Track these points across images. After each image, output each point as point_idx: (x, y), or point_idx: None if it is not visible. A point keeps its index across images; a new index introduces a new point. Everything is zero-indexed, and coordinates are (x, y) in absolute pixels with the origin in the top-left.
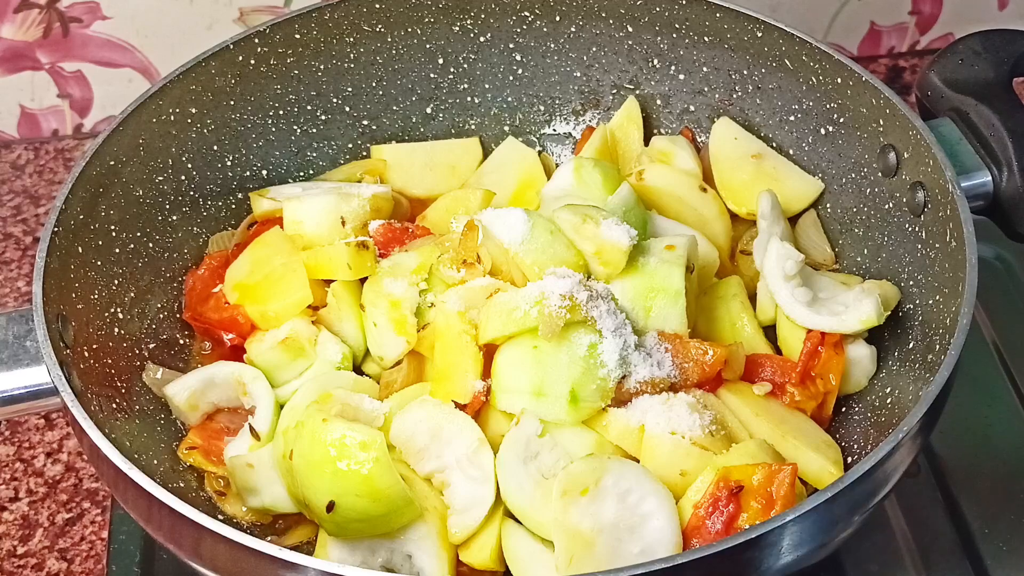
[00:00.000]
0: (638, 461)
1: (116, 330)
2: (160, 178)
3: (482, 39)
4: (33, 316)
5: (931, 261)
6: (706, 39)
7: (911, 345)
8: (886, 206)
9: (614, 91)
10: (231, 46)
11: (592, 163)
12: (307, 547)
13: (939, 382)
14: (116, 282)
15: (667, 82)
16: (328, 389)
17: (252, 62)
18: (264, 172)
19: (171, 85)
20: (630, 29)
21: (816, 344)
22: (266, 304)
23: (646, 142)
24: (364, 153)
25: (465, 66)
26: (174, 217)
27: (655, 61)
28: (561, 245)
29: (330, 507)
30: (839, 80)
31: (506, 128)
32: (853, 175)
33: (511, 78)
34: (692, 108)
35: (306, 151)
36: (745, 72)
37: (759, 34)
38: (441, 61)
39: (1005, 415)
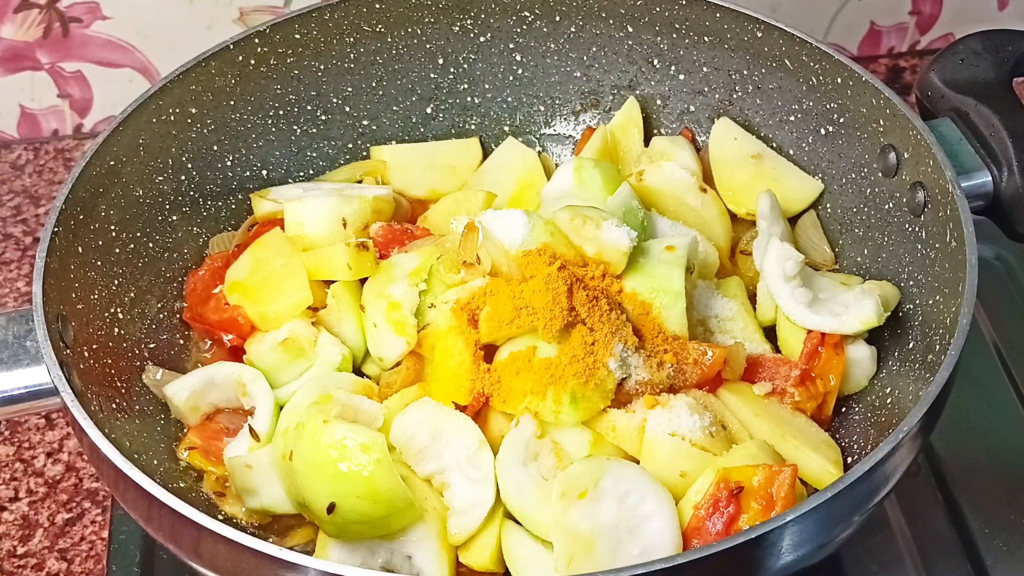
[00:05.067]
0: (638, 462)
1: (116, 330)
2: (160, 178)
3: (482, 39)
4: (33, 316)
5: (931, 261)
6: (706, 39)
7: (911, 345)
8: (886, 206)
9: (614, 91)
10: (231, 46)
11: (592, 163)
12: (307, 548)
13: (939, 382)
14: (116, 282)
15: (667, 82)
16: (328, 390)
17: (252, 62)
18: (264, 172)
19: (171, 85)
20: (630, 29)
21: (816, 344)
22: (266, 305)
23: (646, 142)
24: (364, 153)
25: (465, 66)
26: (174, 217)
27: (655, 61)
28: (561, 246)
29: (330, 508)
30: (839, 80)
31: (506, 128)
32: (853, 175)
33: (511, 78)
34: (692, 108)
35: (306, 151)
36: (745, 72)
37: (759, 34)
38: (441, 61)
39: (1005, 415)
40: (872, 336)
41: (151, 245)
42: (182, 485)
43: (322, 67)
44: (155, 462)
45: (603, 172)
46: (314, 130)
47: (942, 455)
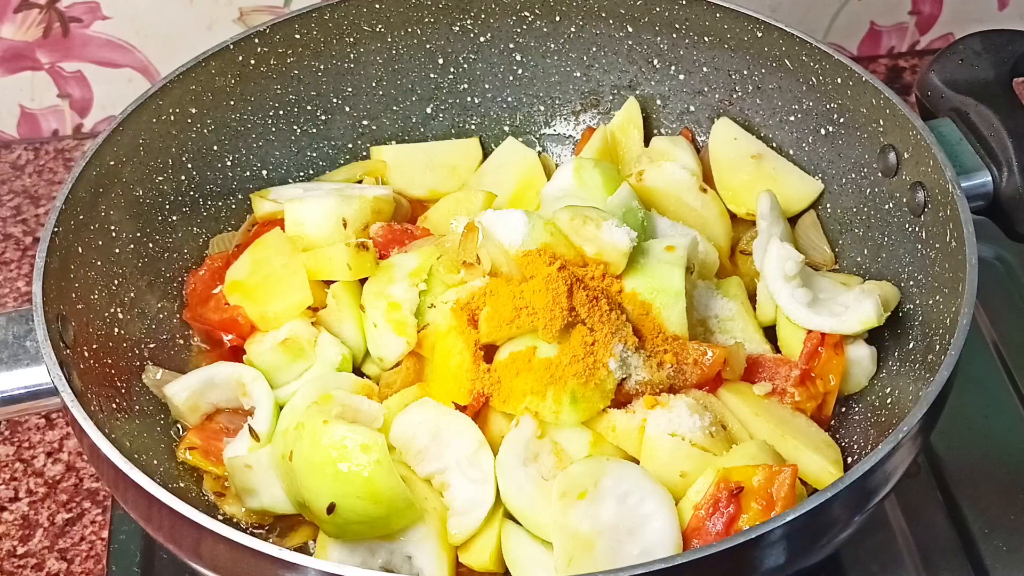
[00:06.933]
0: (638, 462)
1: (116, 330)
2: (160, 178)
3: (482, 39)
4: (33, 316)
5: (931, 261)
6: (706, 39)
7: (911, 345)
8: (886, 206)
9: (614, 91)
10: (231, 46)
11: (592, 164)
12: (307, 548)
13: (939, 382)
14: (116, 282)
15: (667, 82)
16: (328, 390)
17: (252, 62)
18: (264, 172)
19: (171, 85)
20: (630, 29)
21: (816, 344)
22: (266, 305)
23: (646, 142)
24: (364, 153)
25: (465, 66)
26: (174, 217)
27: (655, 61)
28: (561, 246)
29: (330, 509)
30: (839, 80)
31: (506, 128)
32: (853, 175)
33: (511, 78)
34: (692, 108)
35: (306, 151)
36: (745, 72)
37: (759, 34)
38: (441, 61)
39: (1005, 415)
40: (872, 336)
41: (151, 245)
42: (182, 485)
43: (322, 67)
44: (155, 462)
45: (603, 172)
46: (314, 130)
47: (942, 455)
